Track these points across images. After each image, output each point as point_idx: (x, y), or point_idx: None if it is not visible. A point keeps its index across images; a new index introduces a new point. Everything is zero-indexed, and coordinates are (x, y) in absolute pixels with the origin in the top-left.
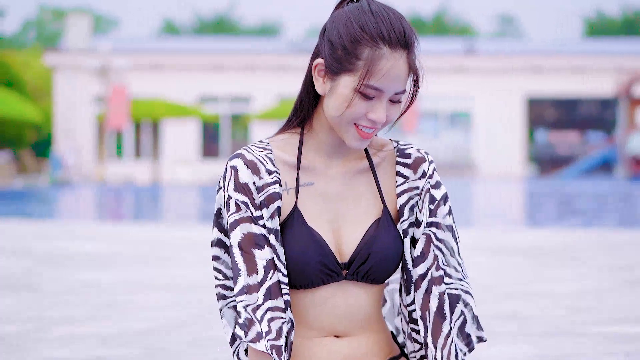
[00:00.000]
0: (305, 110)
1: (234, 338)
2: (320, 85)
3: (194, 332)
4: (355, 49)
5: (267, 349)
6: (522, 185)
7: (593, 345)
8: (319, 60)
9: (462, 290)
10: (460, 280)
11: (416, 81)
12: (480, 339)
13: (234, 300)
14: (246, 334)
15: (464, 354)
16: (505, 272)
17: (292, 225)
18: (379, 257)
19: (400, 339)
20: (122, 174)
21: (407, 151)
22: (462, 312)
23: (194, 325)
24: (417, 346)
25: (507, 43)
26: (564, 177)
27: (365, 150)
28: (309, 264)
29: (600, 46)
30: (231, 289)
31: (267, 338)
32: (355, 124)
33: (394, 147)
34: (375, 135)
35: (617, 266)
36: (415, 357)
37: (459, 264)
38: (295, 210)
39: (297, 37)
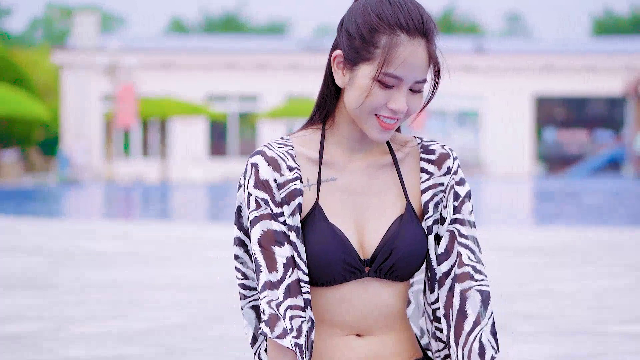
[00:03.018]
0: (328, 105)
1: (254, 339)
2: (339, 78)
3: (195, 332)
4: (373, 38)
5: (292, 346)
6: (531, 184)
7: (614, 344)
8: (338, 52)
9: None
10: (487, 277)
11: (437, 70)
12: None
13: (253, 300)
14: (272, 330)
15: (496, 352)
16: (517, 271)
17: (314, 222)
18: (402, 254)
19: (424, 340)
20: (130, 172)
21: (431, 147)
22: (492, 311)
23: (194, 325)
24: (441, 345)
25: (516, 42)
26: (572, 175)
27: (389, 145)
28: (330, 261)
29: (609, 45)
30: (250, 289)
31: (290, 335)
32: (376, 114)
33: (418, 144)
34: (397, 130)
35: (619, 266)
36: (439, 356)
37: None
38: (316, 207)
39: (306, 36)
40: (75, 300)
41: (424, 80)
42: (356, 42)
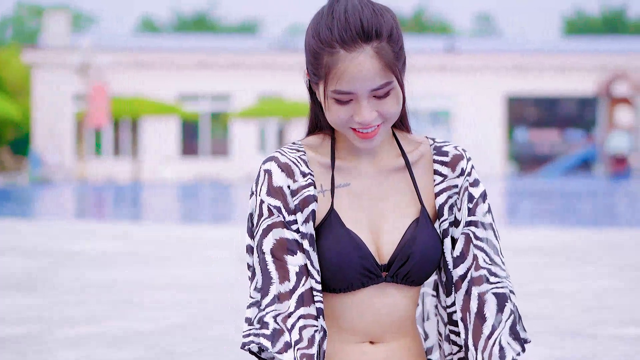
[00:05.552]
0: (317, 120)
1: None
2: (316, 93)
3: (195, 332)
4: (317, 60)
5: (296, 359)
6: (505, 184)
7: (610, 347)
8: (306, 71)
9: (509, 289)
10: (506, 278)
11: (394, 68)
12: (525, 340)
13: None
14: (273, 345)
15: (517, 354)
16: (517, 271)
17: (330, 228)
18: (418, 258)
19: (427, 344)
20: (102, 172)
21: (445, 149)
22: (512, 311)
23: (194, 326)
24: (456, 348)
25: (487, 42)
26: (545, 175)
27: (401, 148)
28: (348, 267)
29: (580, 45)
30: None
31: (297, 347)
32: (350, 127)
33: (431, 145)
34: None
35: (619, 266)
36: (452, 359)
37: (503, 263)
38: (332, 212)
39: (278, 35)
40: (75, 300)
41: (383, 86)
42: (309, 64)
